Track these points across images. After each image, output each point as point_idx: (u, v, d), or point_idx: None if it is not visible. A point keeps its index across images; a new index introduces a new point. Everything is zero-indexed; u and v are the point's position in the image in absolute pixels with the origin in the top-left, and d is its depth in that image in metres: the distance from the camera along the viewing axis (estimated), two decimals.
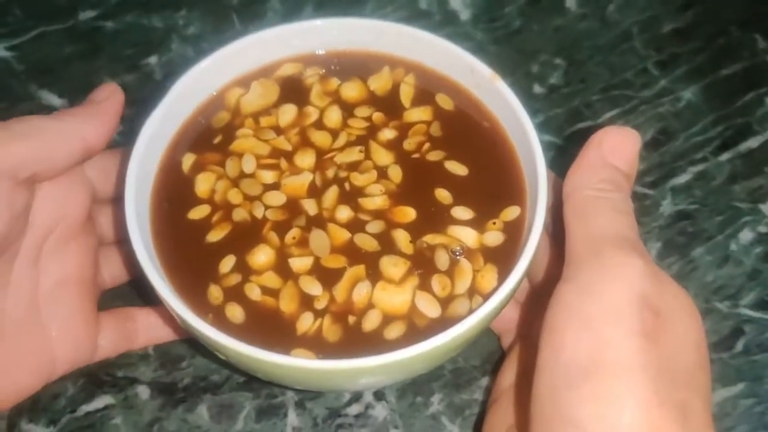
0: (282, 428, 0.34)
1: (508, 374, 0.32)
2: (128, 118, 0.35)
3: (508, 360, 0.33)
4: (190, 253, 0.30)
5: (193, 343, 0.35)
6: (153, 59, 0.45)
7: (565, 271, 0.25)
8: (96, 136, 0.30)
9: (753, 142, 0.43)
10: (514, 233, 0.31)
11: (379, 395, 0.35)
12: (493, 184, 0.32)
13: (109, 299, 0.35)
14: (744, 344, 0.37)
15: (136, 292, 0.36)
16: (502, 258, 0.30)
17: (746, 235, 0.40)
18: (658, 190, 0.41)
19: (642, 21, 0.48)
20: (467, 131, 0.33)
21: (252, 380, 0.35)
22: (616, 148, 0.29)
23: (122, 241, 0.35)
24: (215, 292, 0.29)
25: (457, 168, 0.32)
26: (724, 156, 0.43)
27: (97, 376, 0.35)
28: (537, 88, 0.45)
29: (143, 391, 0.35)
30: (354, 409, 0.35)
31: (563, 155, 0.42)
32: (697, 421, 0.22)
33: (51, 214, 0.30)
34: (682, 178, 0.42)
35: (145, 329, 0.34)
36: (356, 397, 0.35)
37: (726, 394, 0.35)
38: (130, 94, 0.45)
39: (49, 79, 0.44)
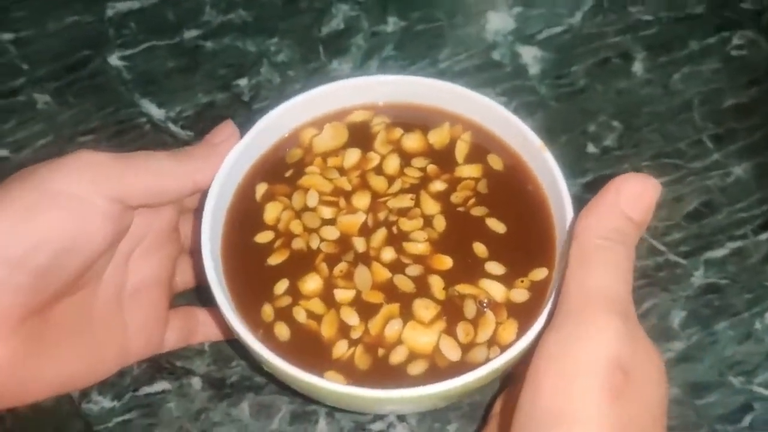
0: None
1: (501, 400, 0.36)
2: None
3: (507, 387, 0.36)
4: (252, 273, 0.34)
5: (240, 346, 0.39)
6: (243, 81, 0.50)
7: (555, 318, 0.28)
8: (206, 179, 0.34)
9: None
10: (539, 292, 0.34)
11: (401, 417, 0.39)
12: (527, 244, 0.35)
13: (174, 297, 0.40)
14: (751, 420, 0.39)
15: (196, 294, 0.40)
16: (524, 314, 0.33)
17: None
18: (692, 261, 0.43)
19: (705, 93, 0.50)
20: (511, 192, 0.37)
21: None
22: (633, 197, 0.29)
23: (194, 253, 0.39)
24: (268, 311, 0.33)
25: (496, 225, 0.35)
26: (765, 235, 0.44)
27: (159, 363, 0.40)
28: (591, 148, 0.47)
29: (196, 382, 0.40)
30: (377, 426, 0.39)
31: None
32: None
33: (144, 226, 0.34)
34: (718, 252, 0.44)
35: (203, 327, 0.39)
36: (381, 415, 0.39)
37: None
38: (219, 112, 0.50)
39: (152, 89, 0.49)
